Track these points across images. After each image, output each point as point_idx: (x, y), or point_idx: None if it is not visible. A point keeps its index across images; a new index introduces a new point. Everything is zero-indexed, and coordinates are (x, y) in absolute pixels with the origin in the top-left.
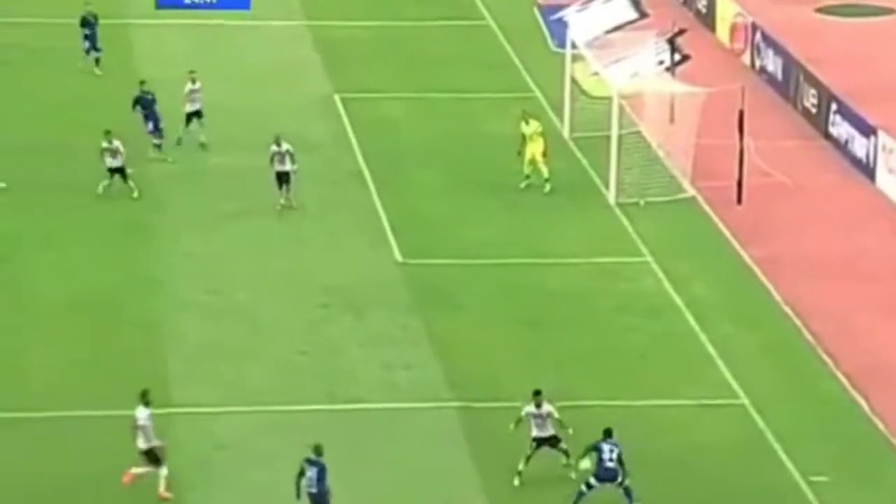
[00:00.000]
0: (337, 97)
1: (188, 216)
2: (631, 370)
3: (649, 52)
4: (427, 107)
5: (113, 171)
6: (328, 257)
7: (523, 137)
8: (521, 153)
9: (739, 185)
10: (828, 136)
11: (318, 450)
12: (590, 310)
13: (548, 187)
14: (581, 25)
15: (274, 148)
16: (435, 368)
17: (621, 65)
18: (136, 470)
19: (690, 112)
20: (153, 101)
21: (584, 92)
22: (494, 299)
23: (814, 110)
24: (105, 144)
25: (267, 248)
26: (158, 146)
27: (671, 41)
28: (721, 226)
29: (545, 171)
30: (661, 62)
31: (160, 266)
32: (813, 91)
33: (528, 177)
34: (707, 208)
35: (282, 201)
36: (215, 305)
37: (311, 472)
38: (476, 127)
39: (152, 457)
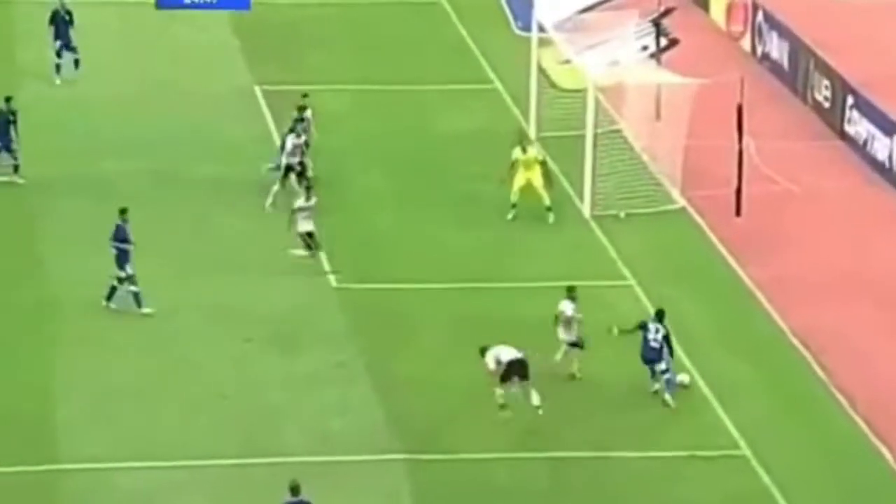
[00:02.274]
0: (258, 89)
1: (83, 231)
2: (608, 413)
3: (630, 35)
4: (369, 100)
5: None
6: (252, 282)
7: (513, 164)
8: (505, 180)
9: (738, 193)
10: (843, 134)
11: (295, 489)
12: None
13: (551, 217)
14: (549, 4)
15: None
16: (376, 413)
17: (597, 51)
18: None
19: (680, 107)
20: (11, 121)
21: (553, 83)
22: (447, 331)
23: (826, 105)
24: None
25: (179, 270)
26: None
27: (656, 23)
28: (716, 241)
29: (547, 199)
30: (645, 48)
31: (52, 288)
32: (825, 82)
33: (514, 206)
34: (700, 221)
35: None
36: (118, 337)
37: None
38: (427, 124)
39: None
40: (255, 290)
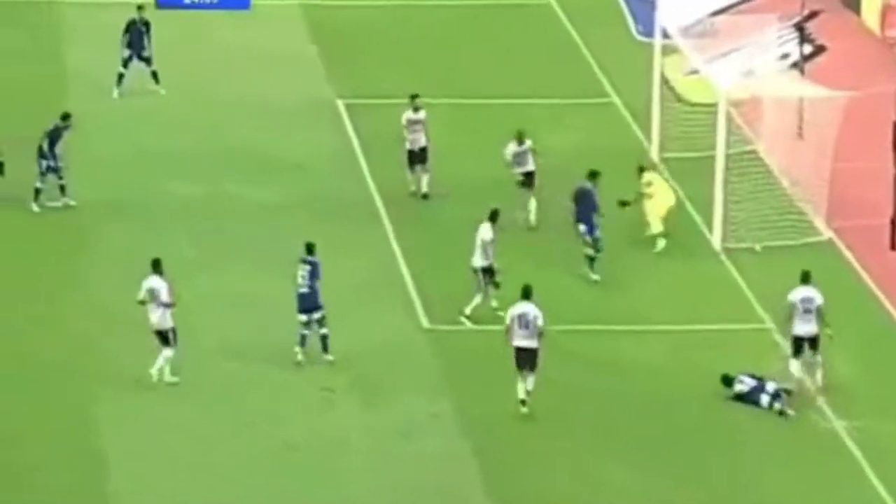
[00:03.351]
0: (340, 103)
1: (133, 263)
2: (746, 489)
3: (769, 42)
4: (463, 116)
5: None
6: (329, 323)
7: (641, 194)
8: (628, 204)
9: (893, 224)
10: None
11: (310, 248)
12: (685, 395)
13: (661, 244)
14: (675, 6)
15: (514, 147)
16: (471, 466)
17: (730, 59)
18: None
19: (826, 124)
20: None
21: (678, 97)
22: (551, 379)
23: None
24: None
25: (247, 307)
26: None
27: (800, 27)
28: (868, 279)
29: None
30: (786, 56)
31: (95, 330)
32: None
33: (663, 235)
34: (849, 255)
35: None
36: (181, 387)
37: (304, 271)
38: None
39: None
40: (335, 332)
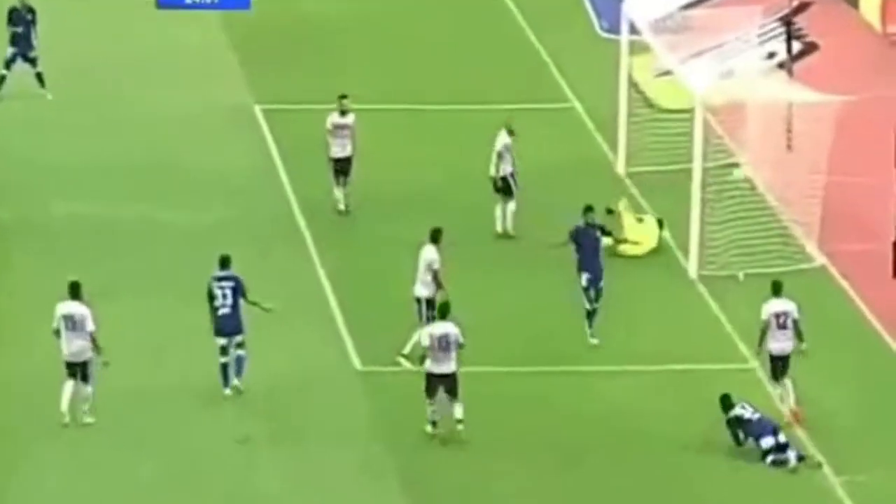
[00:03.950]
0: (258, 109)
1: (34, 293)
2: None
3: (752, 38)
4: (402, 123)
5: None
6: (248, 365)
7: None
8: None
9: None
10: None
11: (225, 262)
12: (658, 445)
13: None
14: None
15: (506, 139)
16: None
17: (708, 59)
18: None
19: (818, 134)
20: None
21: (648, 102)
22: (505, 427)
23: None
24: None
25: (151, 341)
26: None
27: (787, 22)
28: (867, 312)
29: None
30: (772, 55)
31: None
32: None
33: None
34: (844, 285)
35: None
36: (77, 431)
37: (224, 289)
38: (483, 155)
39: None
40: (247, 373)
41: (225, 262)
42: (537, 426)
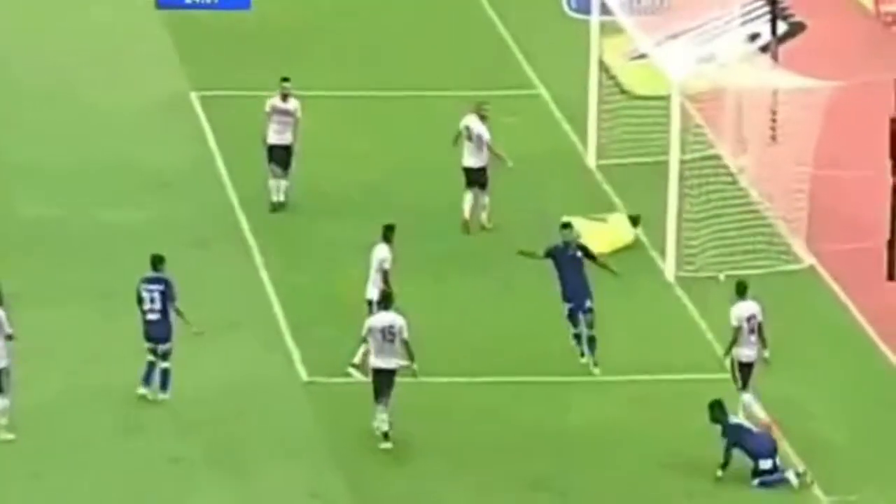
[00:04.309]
0: (195, 96)
1: None
2: None
3: (734, 19)
4: (352, 111)
5: None
6: (183, 375)
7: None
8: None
9: (891, 246)
10: None
11: (157, 262)
12: (634, 463)
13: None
14: None
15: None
16: None
17: (685, 41)
18: None
19: (806, 123)
20: None
21: (621, 88)
22: (472, 443)
23: None
24: None
25: (80, 349)
26: None
27: (772, 1)
28: (859, 316)
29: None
30: (755, 36)
31: None
32: None
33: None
34: (835, 287)
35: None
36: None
37: (153, 292)
38: (440, 146)
39: None
40: (182, 387)
41: (156, 264)
42: (496, 440)
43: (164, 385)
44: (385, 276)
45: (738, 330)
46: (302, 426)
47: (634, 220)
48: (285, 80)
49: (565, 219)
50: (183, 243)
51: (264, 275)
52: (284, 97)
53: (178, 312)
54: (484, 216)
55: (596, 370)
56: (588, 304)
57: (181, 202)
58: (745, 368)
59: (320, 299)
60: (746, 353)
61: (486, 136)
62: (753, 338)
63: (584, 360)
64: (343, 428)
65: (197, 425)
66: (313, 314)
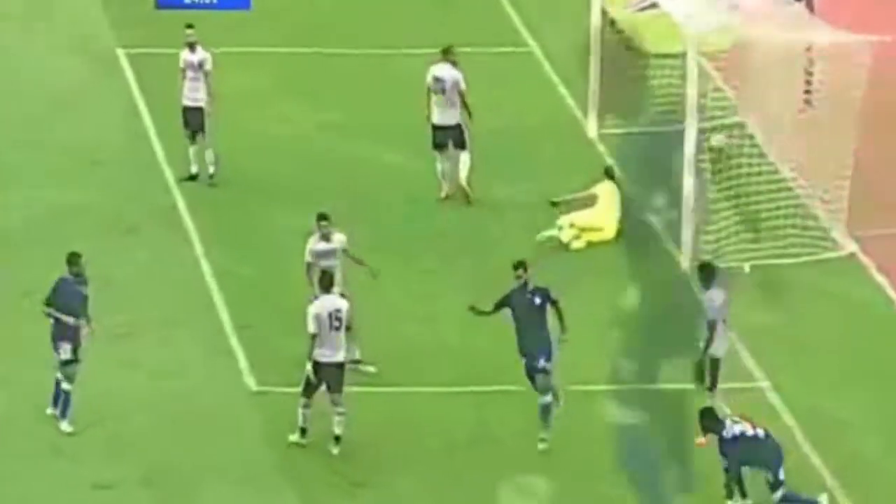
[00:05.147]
0: (122, 53)
1: None
2: None
3: None
4: (315, 71)
5: None
6: (111, 386)
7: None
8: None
9: None
10: None
11: (73, 259)
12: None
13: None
14: None
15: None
16: None
17: None
18: None
19: (846, 88)
20: None
21: (628, 44)
22: (446, 462)
23: None
24: None
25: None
26: None
27: None
28: None
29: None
30: None
31: None
32: None
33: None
34: (878, 278)
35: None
36: None
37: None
38: (416, 113)
39: None
40: (116, 395)
41: (73, 260)
42: (486, 464)
43: (62, 409)
44: (351, 257)
45: (713, 322)
46: (251, 444)
47: (608, 172)
48: (189, 26)
49: (518, 259)
50: (109, 229)
51: (206, 267)
52: (192, 46)
53: (87, 319)
54: (463, 176)
55: (542, 445)
56: (542, 363)
57: (109, 183)
58: (718, 364)
59: (270, 296)
60: (721, 347)
61: (463, 84)
62: (725, 329)
63: (541, 447)
64: (297, 446)
65: (129, 445)
66: (262, 313)
